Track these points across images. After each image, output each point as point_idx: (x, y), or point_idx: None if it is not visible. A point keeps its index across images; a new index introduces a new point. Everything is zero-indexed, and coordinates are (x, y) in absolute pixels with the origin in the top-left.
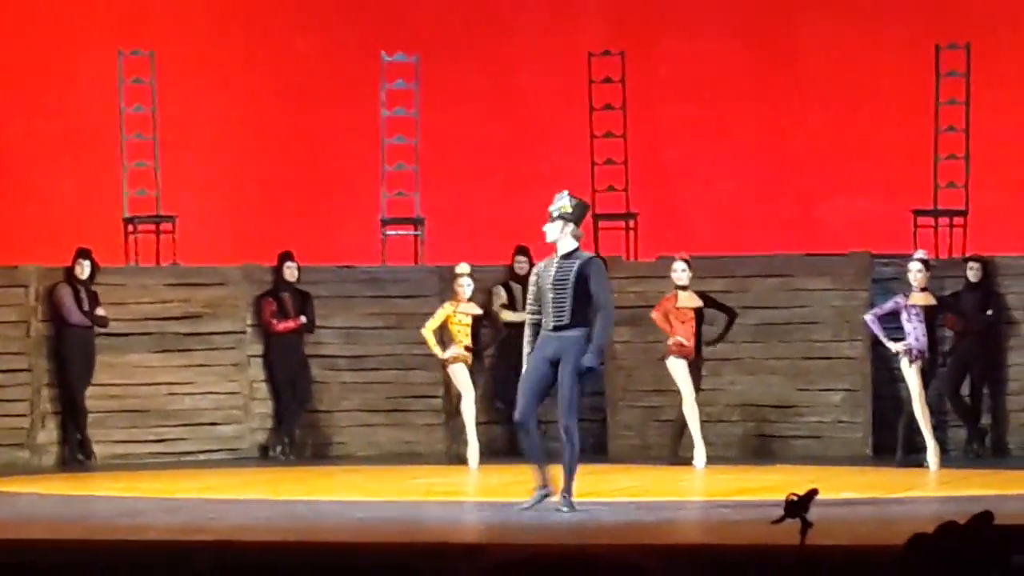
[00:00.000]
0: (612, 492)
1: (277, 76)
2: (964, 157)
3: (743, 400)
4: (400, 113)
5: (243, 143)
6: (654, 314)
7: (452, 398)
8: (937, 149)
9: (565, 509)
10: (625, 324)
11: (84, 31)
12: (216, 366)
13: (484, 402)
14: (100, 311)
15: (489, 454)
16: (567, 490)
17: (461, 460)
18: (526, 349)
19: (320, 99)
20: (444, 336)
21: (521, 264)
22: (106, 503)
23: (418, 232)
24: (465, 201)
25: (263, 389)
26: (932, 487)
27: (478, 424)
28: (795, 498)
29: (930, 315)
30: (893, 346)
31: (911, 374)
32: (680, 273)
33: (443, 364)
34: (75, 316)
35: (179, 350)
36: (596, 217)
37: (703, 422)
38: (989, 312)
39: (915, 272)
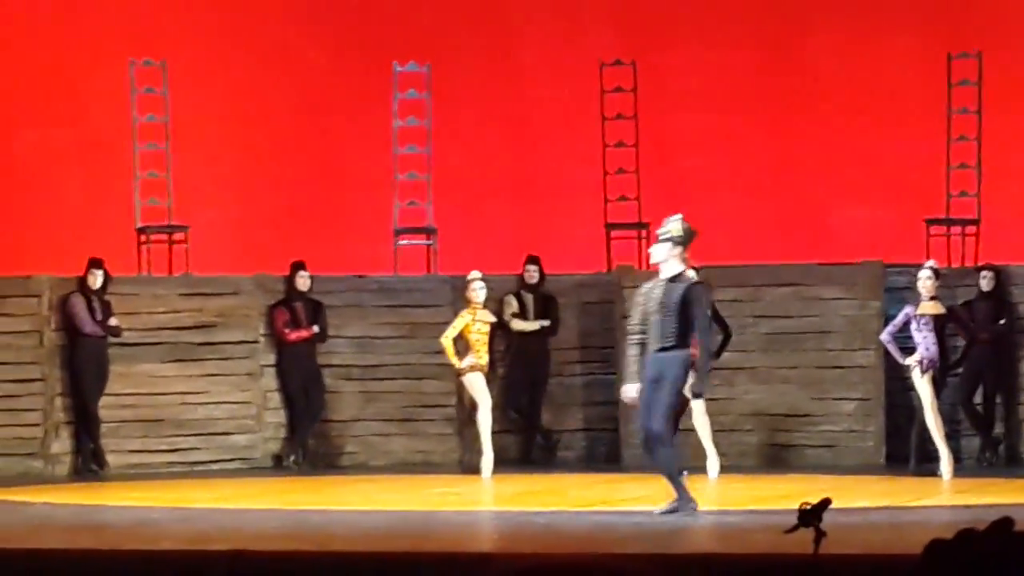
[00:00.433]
0: (625, 501)
1: (289, 85)
2: (976, 166)
3: (756, 409)
4: (412, 123)
5: (255, 153)
6: None
7: (467, 407)
8: (949, 158)
9: (693, 507)
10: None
11: (96, 41)
12: (229, 376)
13: (497, 412)
14: (113, 321)
15: (502, 464)
16: (678, 494)
17: (474, 470)
18: (632, 368)
19: (332, 109)
20: (461, 345)
21: (531, 273)
22: (119, 513)
23: (430, 242)
24: (477, 210)
25: (276, 399)
26: (945, 496)
27: (492, 434)
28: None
29: (939, 324)
30: (905, 361)
31: (923, 384)
32: None
33: (458, 373)
34: (88, 326)
35: (192, 360)
36: (608, 227)
37: (717, 431)
38: (1002, 321)
39: (924, 280)
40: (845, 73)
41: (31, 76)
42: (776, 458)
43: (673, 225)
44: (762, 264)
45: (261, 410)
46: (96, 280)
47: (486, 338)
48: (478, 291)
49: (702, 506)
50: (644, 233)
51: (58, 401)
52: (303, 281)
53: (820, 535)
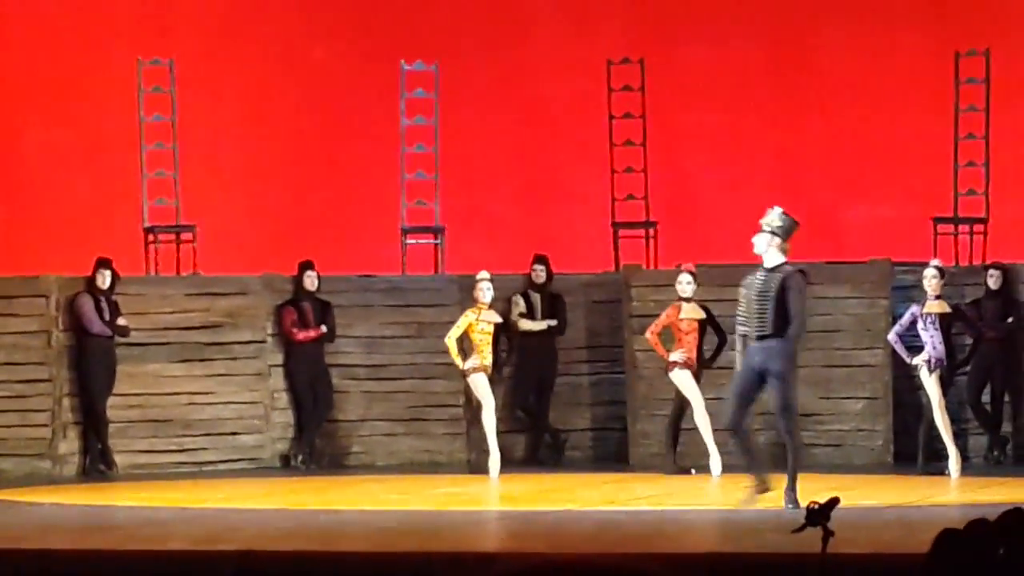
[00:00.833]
0: (632, 500)
1: (297, 85)
2: (984, 164)
3: (764, 408)
4: (420, 122)
5: (263, 152)
6: (649, 336)
7: (474, 407)
8: (957, 156)
9: (790, 507)
10: (644, 333)
11: (104, 40)
12: (237, 376)
13: (504, 411)
14: (121, 321)
15: (510, 463)
16: (791, 488)
17: (482, 469)
18: (737, 358)
19: (340, 108)
20: (466, 345)
21: (538, 273)
22: (127, 513)
23: (438, 241)
24: (484, 210)
25: (284, 399)
26: (953, 495)
27: (499, 433)
28: (816, 506)
29: (946, 323)
30: (913, 360)
31: (931, 383)
32: (685, 285)
33: (463, 374)
34: (96, 326)
35: (200, 360)
36: (615, 226)
37: (723, 430)
38: (1010, 319)
39: (930, 279)
40: (852, 71)
41: (38, 76)
42: (784, 457)
43: (773, 216)
44: None
45: (269, 410)
46: (104, 280)
47: (490, 338)
48: (485, 291)
49: (708, 505)
50: (652, 232)
51: (66, 401)
52: (311, 281)
53: (828, 534)
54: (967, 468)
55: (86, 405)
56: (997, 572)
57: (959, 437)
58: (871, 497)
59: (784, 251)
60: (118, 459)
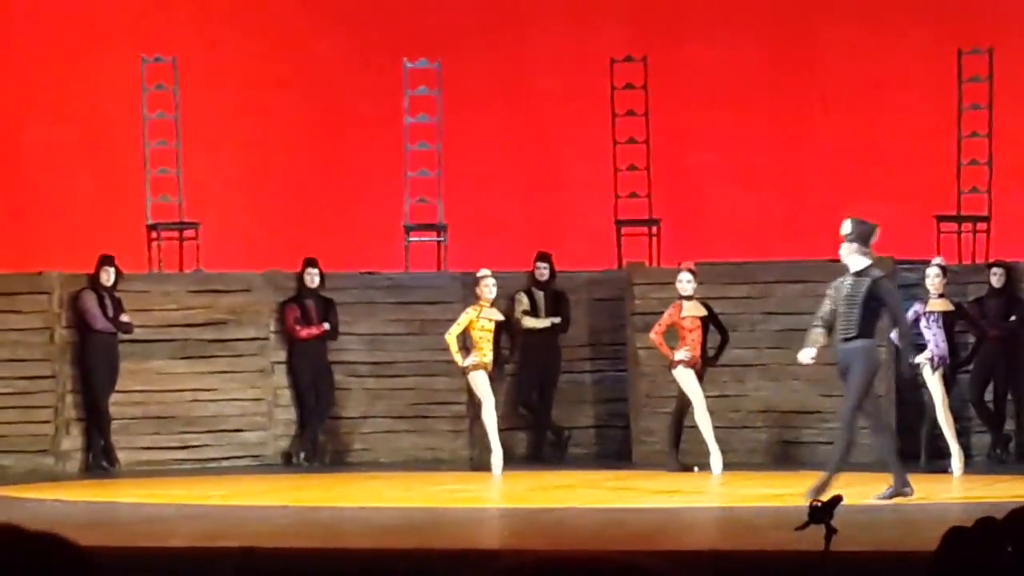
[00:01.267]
0: (635, 497)
1: (300, 82)
2: (987, 162)
3: (767, 406)
4: (423, 119)
5: (266, 150)
6: (653, 336)
7: (476, 404)
8: (960, 154)
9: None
10: (647, 331)
11: (106, 37)
12: (240, 373)
13: (507, 408)
14: (124, 317)
15: (512, 461)
16: (825, 485)
17: (484, 467)
18: (810, 337)
19: (343, 106)
20: (466, 342)
21: (542, 270)
22: (130, 509)
23: (441, 238)
24: (487, 207)
25: (286, 396)
26: (956, 493)
27: (501, 430)
28: (819, 504)
29: (949, 321)
30: (915, 358)
31: (934, 381)
32: (685, 284)
33: (463, 371)
34: (99, 322)
35: (203, 357)
36: (618, 223)
37: (727, 428)
38: (1012, 318)
39: (932, 278)
40: (855, 70)
41: (42, 73)
42: (786, 455)
43: (848, 226)
44: (772, 260)
45: (271, 407)
46: (108, 277)
47: (490, 335)
48: (490, 288)
49: (711, 503)
50: (654, 230)
51: (69, 398)
52: (313, 278)
53: (831, 532)
54: (970, 466)
55: (89, 402)
56: (1006, 571)
57: (962, 435)
58: (874, 495)
59: (865, 254)
60: (121, 455)
